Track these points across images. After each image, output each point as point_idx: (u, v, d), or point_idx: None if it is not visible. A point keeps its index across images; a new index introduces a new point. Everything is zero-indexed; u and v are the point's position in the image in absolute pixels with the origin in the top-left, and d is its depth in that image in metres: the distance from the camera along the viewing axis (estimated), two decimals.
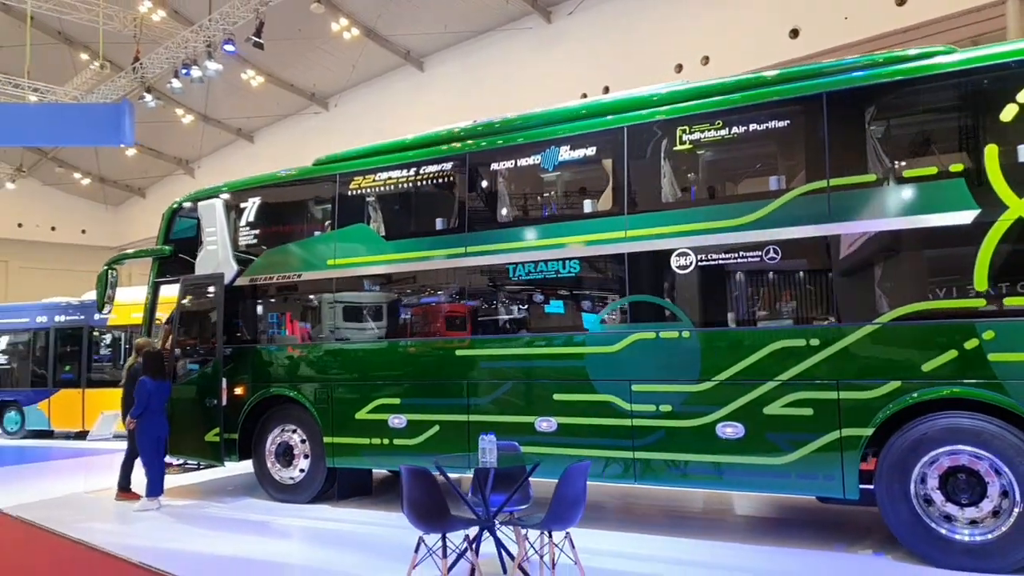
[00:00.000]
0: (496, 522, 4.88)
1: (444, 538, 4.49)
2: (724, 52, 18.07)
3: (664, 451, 6.25)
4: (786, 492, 6.08)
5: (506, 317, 7.29)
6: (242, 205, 9.02)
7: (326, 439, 7.99)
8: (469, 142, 7.55)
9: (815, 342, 5.72)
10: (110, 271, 9.74)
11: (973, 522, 5.23)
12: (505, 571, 4.99)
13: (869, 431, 5.50)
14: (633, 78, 18.96)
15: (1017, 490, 5.06)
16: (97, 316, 13.63)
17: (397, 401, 7.61)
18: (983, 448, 5.18)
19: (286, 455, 8.36)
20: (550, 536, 4.63)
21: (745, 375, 5.94)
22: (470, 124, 7.76)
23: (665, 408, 6.24)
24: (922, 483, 5.41)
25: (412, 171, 7.82)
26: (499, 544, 4.85)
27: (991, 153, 5.27)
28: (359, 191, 8.14)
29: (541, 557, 4.73)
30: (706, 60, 18.65)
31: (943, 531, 5.26)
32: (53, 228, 33.48)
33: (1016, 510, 5.05)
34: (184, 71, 21.26)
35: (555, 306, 7.07)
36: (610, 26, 20.54)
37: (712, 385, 6.06)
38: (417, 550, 4.51)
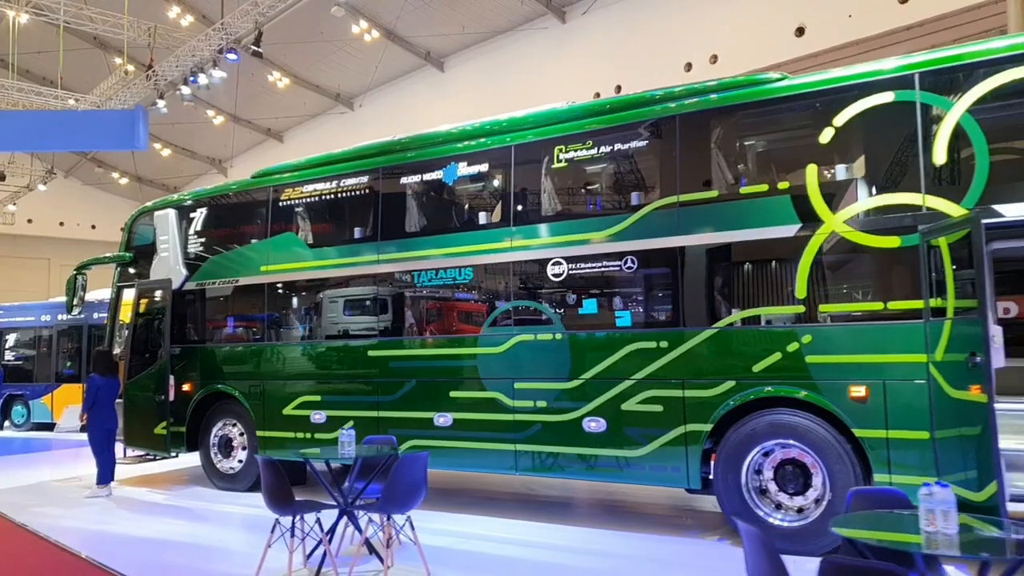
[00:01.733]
0: (354, 508, 5.49)
1: (294, 520, 5.12)
2: (732, 50, 18.39)
3: (540, 444, 6.82)
4: (641, 483, 6.62)
5: (411, 320, 7.89)
6: (192, 215, 9.72)
7: (259, 432, 8.68)
8: (382, 157, 8.16)
9: (664, 344, 6.24)
10: (79, 275, 10.53)
11: (800, 510, 5.74)
12: (371, 552, 5.61)
13: (709, 426, 6.02)
14: (644, 77, 19.51)
15: (827, 481, 5.55)
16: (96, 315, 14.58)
17: (318, 398, 8.26)
18: (800, 441, 5.68)
19: (227, 447, 9.07)
20: (389, 519, 5.23)
21: (606, 374, 6.49)
22: (387, 140, 8.36)
23: (541, 404, 6.81)
24: (757, 474, 5.92)
25: (334, 184, 8.45)
26: (357, 528, 5.46)
27: (811, 172, 5.75)
28: (289, 202, 8.80)
29: (389, 537, 5.34)
30: (715, 59, 19.00)
31: (767, 517, 5.77)
32: (93, 227, 34.65)
33: (827, 499, 5.55)
34: (192, 79, 22.13)
35: (453, 310, 7.66)
36: (622, 26, 20.96)
37: (579, 383, 6.62)
38: (273, 531, 5.14)
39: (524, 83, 22.04)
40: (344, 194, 8.38)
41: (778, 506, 5.84)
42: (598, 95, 21.31)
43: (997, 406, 5.42)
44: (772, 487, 5.88)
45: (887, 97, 5.55)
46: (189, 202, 9.86)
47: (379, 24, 23.08)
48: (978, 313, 4.68)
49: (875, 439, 5.41)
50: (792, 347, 5.72)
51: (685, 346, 6.15)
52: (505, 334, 7.07)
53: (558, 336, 6.78)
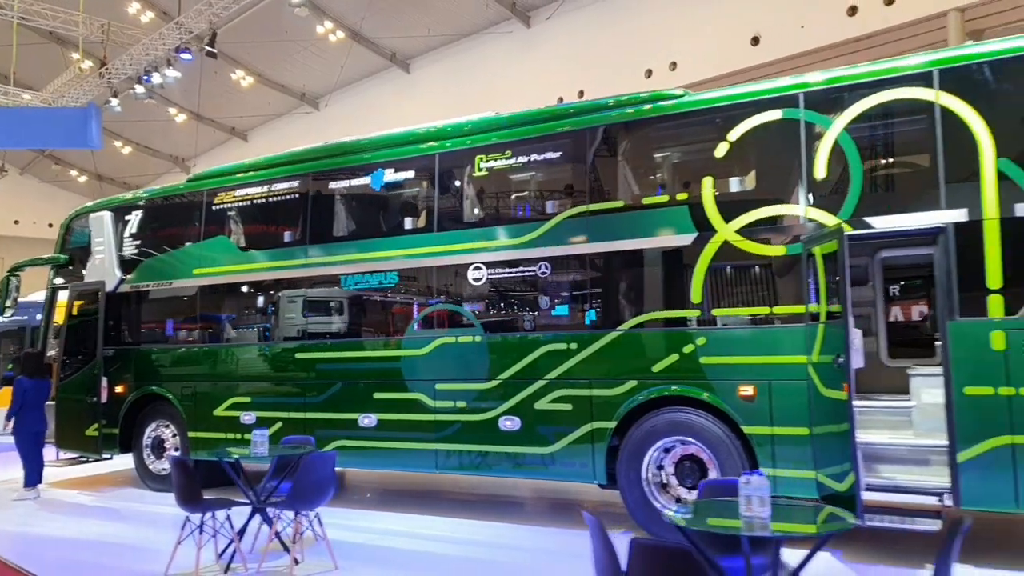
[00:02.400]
0: (266, 505, 5.68)
1: (203, 518, 5.30)
2: (690, 58, 18.84)
3: (460, 443, 7.07)
4: (553, 479, 6.91)
5: (337, 323, 8.09)
6: (127, 217, 9.77)
7: (191, 434, 8.77)
8: (312, 163, 8.34)
9: (574, 346, 6.55)
10: (12, 277, 10.47)
11: None
12: (284, 548, 5.80)
13: (613, 424, 6.34)
14: (606, 82, 19.91)
15: (720, 475, 5.90)
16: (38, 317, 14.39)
17: (248, 399, 8.40)
18: (695, 438, 6.03)
19: (159, 448, 9.14)
20: (297, 515, 5.44)
21: (521, 375, 6.77)
22: (317, 145, 8.54)
23: (461, 404, 7.07)
24: (660, 469, 6.26)
25: (265, 188, 8.60)
26: (268, 524, 5.64)
27: (707, 184, 6.10)
28: (222, 206, 8.92)
29: (297, 533, 5.54)
30: (674, 66, 19.39)
31: (663, 509, 6.09)
32: (50, 225, 33.78)
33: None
34: (146, 78, 21.94)
35: (378, 313, 7.88)
36: (585, 31, 21.24)
37: (496, 384, 6.89)
38: (183, 528, 5.31)
39: (489, 85, 22.28)
40: (275, 198, 8.54)
41: (678, 499, 6.17)
42: (561, 99, 21.69)
43: (871, 404, 5.87)
44: (673, 481, 6.22)
45: (775, 115, 5.93)
46: (124, 205, 9.90)
47: (344, 24, 23.12)
48: (841, 318, 5.07)
49: (761, 435, 5.77)
50: (688, 349, 6.06)
51: (592, 348, 6.46)
52: (427, 337, 7.31)
53: (477, 338, 7.04)
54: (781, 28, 17.91)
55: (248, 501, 5.64)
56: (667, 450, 6.25)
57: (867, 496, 5.80)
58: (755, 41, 18.77)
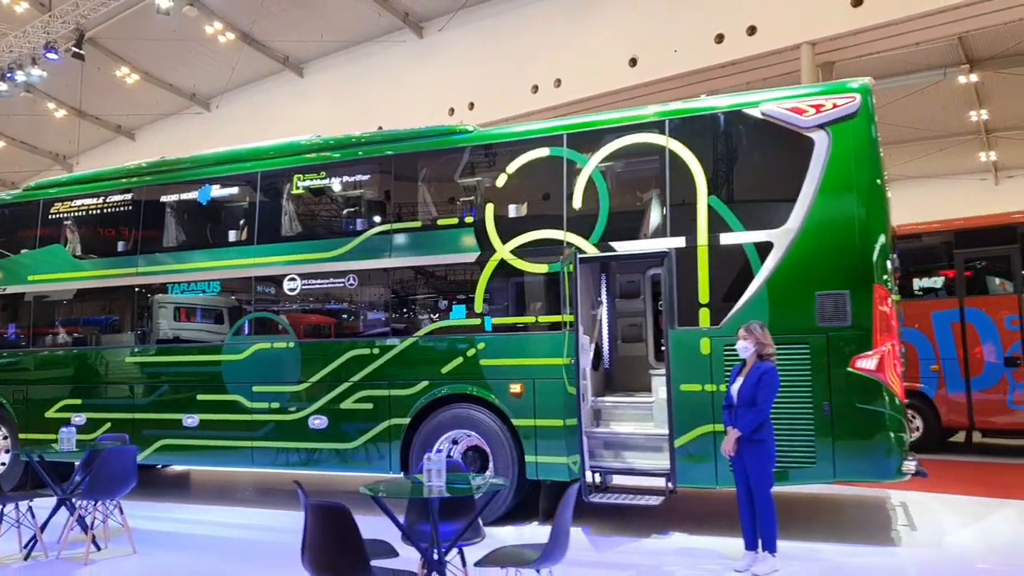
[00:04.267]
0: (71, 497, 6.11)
1: (2, 510, 5.70)
2: (574, 75, 19.62)
3: (274, 440, 7.66)
4: (356, 471, 7.59)
5: (166, 328, 8.51)
6: None
7: (22, 435, 8.95)
8: (145, 177, 8.75)
9: (376, 351, 7.28)
10: None
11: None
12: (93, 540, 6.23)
13: (407, 420, 7.10)
14: (495, 96, 20.67)
15: (493, 463, 6.77)
16: None
17: (79, 401, 8.68)
18: (475, 431, 6.87)
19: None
20: (95, 505, 5.92)
21: (329, 377, 7.44)
22: (151, 160, 8.95)
23: (275, 405, 7.66)
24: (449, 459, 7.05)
25: (100, 200, 8.93)
26: (71, 513, 6.07)
27: (488, 210, 6.99)
28: (58, 215, 9.17)
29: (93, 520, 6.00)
30: (559, 82, 20.23)
31: None
32: None
33: (487, 475, 6.75)
34: (9, 75, 21.17)
35: (203, 320, 8.36)
36: (476, 46, 21.84)
37: (307, 386, 7.53)
38: None
39: (385, 94, 22.61)
40: (109, 210, 8.88)
41: None
42: (452, 111, 22.44)
43: (623, 400, 6.91)
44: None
45: (544, 152, 6.89)
46: None
47: (233, 26, 23.00)
48: (573, 327, 6.03)
49: (527, 427, 6.67)
50: (471, 352, 6.91)
51: (392, 352, 7.22)
52: (246, 342, 7.87)
53: (290, 344, 7.67)
54: (656, 51, 19.22)
55: (54, 493, 6.06)
56: (455, 442, 7.07)
57: (618, 480, 6.84)
58: (633, 62, 20.10)
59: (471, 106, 22.16)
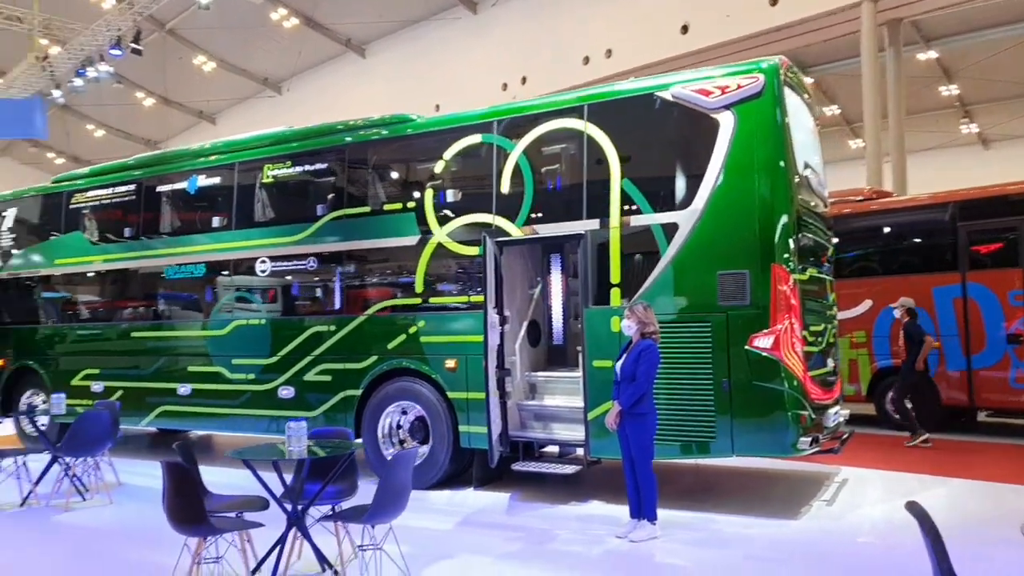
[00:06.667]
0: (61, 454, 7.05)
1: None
2: (625, 46, 19.90)
3: (250, 408, 8.42)
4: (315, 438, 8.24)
5: (165, 306, 9.39)
6: (3, 213, 11.03)
7: None
8: (145, 169, 9.61)
9: (333, 328, 7.88)
10: None
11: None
12: (78, 491, 7.16)
13: (359, 391, 7.67)
14: (547, 69, 21.08)
15: (432, 432, 7.27)
16: None
17: (98, 371, 9.73)
18: (416, 402, 7.38)
19: (31, 413, 10.48)
20: (77, 461, 6.81)
21: (295, 352, 8.10)
22: (149, 154, 9.81)
23: (251, 376, 8.40)
24: (399, 428, 7.62)
25: (109, 190, 9.87)
26: (72, 475, 7.01)
27: (428, 194, 7.40)
28: (79, 205, 10.19)
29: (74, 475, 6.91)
30: (609, 53, 20.38)
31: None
32: None
33: (428, 447, 7.27)
34: (81, 72, 22.90)
35: (193, 298, 9.18)
36: (527, 20, 22.30)
37: (277, 359, 8.22)
38: None
39: (442, 71, 23.25)
40: (118, 199, 9.80)
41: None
42: (505, 86, 22.85)
43: (555, 375, 7.28)
44: (408, 438, 7.59)
45: (476, 139, 7.22)
46: (3, 201, 11.15)
47: (296, 11, 24.05)
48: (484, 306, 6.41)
49: (460, 400, 7.12)
50: (413, 330, 7.40)
51: (346, 329, 7.80)
52: (227, 319, 8.63)
53: (263, 321, 8.37)
54: (709, 17, 18.93)
55: (46, 449, 7.04)
56: (404, 412, 7.61)
57: (549, 449, 7.22)
58: (684, 29, 19.84)
59: (523, 80, 22.41)
